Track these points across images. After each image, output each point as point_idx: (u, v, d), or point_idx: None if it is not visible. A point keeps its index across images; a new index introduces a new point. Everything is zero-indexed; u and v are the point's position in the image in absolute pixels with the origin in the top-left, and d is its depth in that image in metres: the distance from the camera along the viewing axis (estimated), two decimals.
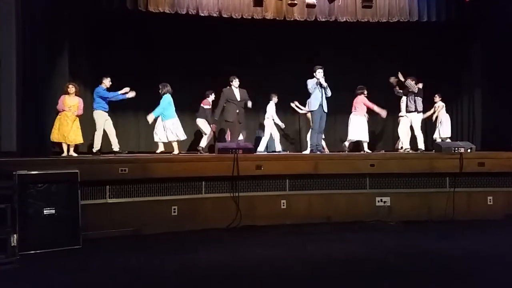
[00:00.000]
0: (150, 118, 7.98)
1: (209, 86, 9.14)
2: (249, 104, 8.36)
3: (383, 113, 8.67)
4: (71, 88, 7.25)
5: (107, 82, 7.82)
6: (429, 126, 10.04)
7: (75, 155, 7.27)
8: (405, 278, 4.00)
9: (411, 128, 8.63)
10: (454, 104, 10.33)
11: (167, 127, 7.97)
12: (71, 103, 7.22)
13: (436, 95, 9.44)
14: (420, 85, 8.56)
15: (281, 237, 5.68)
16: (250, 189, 6.39)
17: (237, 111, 8.04)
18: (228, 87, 8.18)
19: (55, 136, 7.16)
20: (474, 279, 3.98)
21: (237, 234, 5.84)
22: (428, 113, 9.41)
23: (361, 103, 8.60)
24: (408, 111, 8.56)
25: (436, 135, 9.47)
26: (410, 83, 8.37)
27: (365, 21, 9.13)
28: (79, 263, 4.54)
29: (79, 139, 7.36)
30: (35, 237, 4.84)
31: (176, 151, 7.97)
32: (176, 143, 8.04)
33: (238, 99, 8.10)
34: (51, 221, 4.98)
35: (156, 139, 8.15)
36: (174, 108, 8.01)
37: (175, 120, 8.04)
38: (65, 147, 7.23)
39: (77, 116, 7.30)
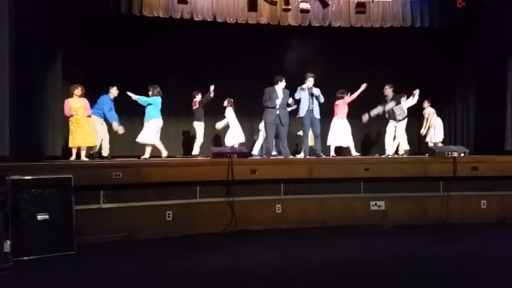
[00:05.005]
0: (134, 96, 7.78)
1: (205, 90, 9.10)
2: (291, 103, 7.90)
3: (363, 86, 8.58)
4: (78, 91, 7.20)
5: (114, 91, 7.79)
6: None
7: (86, 159, 7.21)
8: (399, 282, 4.01)
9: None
10: (447, 109, 10.40)
11: (148, 127, 7.82)
12: (75, 105, 7.18)
13: (425, 101, 9.43)
14: (405, 97, 8.73)
15: (276, 242, 5.67)
16: (245, 194, 6.37)
17: (277, 112, 7.55)
18: (272, 86, 7.64)
19: (75, 142, 7.13)
20: (468, 282, 4.00)
21: (232, 239, 5.82)
22: (423, 125, 9.50)
23: (342, 106, 8.69)
24: (389, 118, 8.61)
25: (428, 139, 9.53)
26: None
27: (359, 27, 9.20)
28: (73, 269, 4.50)
29: (94, 141, 7.40)
30: (29, 243, 4.78)
31: (147, 156, 7.77)
32: (150, 148, 7.84)
33: (279, 100, 7.53)
34: (45, 227, 4.93)
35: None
36: (159, 110, 7.89)
37: (159, 121, 7.89)
38: (83, 153, 7.21)
39: (88, 116, 7.30)
